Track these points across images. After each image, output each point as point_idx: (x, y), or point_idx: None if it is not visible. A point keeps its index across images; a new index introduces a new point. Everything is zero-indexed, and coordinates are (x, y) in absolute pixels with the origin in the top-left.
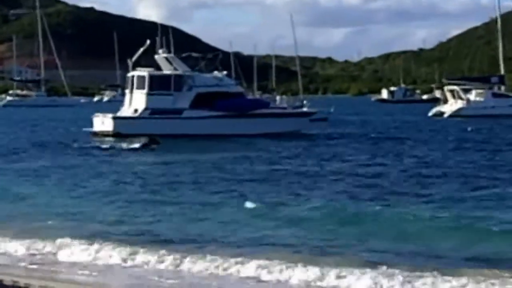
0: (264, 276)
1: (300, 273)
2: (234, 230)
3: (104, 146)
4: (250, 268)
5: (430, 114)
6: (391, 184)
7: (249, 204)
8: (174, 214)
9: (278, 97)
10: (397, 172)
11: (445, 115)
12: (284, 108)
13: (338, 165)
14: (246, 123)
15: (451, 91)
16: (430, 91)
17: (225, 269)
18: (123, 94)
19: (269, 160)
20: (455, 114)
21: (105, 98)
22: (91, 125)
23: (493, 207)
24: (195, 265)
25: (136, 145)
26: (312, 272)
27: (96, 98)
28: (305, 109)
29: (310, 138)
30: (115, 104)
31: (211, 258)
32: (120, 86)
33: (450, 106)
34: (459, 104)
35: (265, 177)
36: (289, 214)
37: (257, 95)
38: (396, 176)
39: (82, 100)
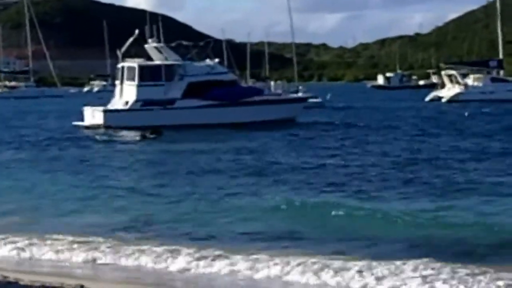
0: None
1: (225, 264)
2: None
3: (103, 138)
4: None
5: (427, 99)
6: (359, 176)
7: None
8: (125, 205)
9: (272, 83)
10: (376, 163)
11: (443, 100)
12: (279, 94)
13: (317, 156)
14: (239, 111)
15: (449, 76)
16: (427, 76)
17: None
18: (113, 84)
19: (246, 151)
20: (452, 99)
21: (95, 89)
22: (81, 118)
23: (454, 198)
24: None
25: (137, 137)
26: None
27: (86, 89)
28: (300, 94)
29: (301, 126)
30: (105, 95)
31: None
32: (110, 76)
33: (448, 91)
34: (457, 89)
35: (235, 168)
36: (231, 205)
37: (250, 83)
38: (371, 166)
39: (72, 90)
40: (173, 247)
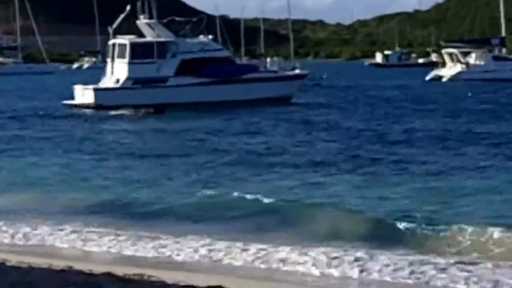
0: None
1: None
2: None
3: (94, 116)
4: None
5: (427, 78)
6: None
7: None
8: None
9: (268, 59)
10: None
11: (444, 79)
12: (275, 71)
13: (282, 139)
14: (234, 89)
15: (450, 54)
16: (427, 54)
17: None
18: (104, 61)
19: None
20: (454, 78)
21: (85, 65)
22: (71, 96)
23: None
24: None
25: (137, 114)
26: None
27: (75, 65)
28: (297, 71)
29: (291, 107)
30: (96, 72)
31: None
32: (100, 52)
33: (449, 70)
34: (458, 67)
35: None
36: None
37: (245, 60)
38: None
39: (61, 67)
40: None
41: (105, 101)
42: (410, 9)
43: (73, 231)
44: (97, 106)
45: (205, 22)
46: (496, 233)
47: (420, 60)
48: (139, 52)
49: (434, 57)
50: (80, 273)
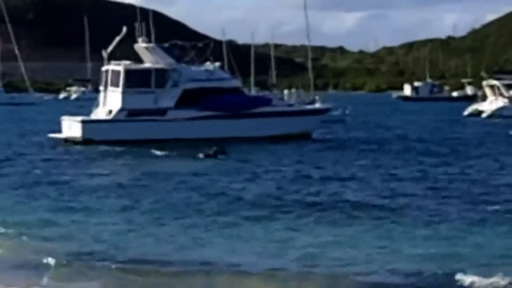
0: None
1: None
2: None
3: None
4: None
5: (465, 113)
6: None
7: None
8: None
9: (285, 92)
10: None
11: (484, 115)
12: (291, 105)
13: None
14: (243, 124)
15: (491, 87)
16: (461, 87)
17: None
18: (96, 90)
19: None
20: (495, 114)
21: (73, 96)
22: (58, 129)
23: None
24: None
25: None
26: None
27: (62, 95)
28: (317, 105)
29: (309, 144)
30: (85, 103)
31: None
32: (91, 81)
33: (490, 105)
34: (500, 102)
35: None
36: None
37: (254, 91)
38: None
39: (46, 97)
40: None
41: (94, 135)
42: (442, 35)
43: None
44: (85, 141)
45: (211, 47)
46: None
47: (454, 93)
48: (134, 80)
49: (469, 89)
50: None
